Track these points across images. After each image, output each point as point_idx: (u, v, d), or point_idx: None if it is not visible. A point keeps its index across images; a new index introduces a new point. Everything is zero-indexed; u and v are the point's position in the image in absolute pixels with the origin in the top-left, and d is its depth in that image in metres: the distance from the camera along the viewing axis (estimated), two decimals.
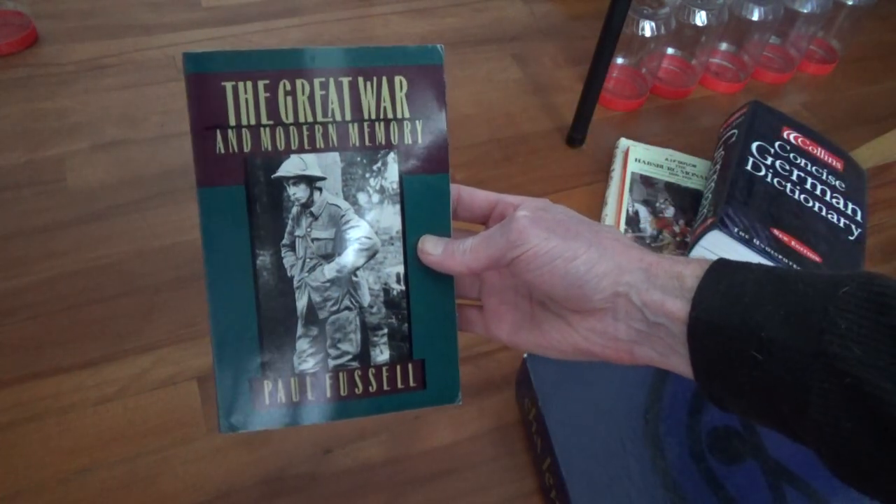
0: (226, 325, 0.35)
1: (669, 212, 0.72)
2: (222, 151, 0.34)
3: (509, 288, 0.38)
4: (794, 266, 0.62)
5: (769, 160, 0.70)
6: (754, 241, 0.62)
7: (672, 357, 0.31)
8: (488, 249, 0.34)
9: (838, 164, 0.74)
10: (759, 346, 0.27)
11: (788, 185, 0.69)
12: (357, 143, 0.35)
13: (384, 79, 0.35)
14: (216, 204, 0.34)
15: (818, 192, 0.70)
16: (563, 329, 0.35)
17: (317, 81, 0.34)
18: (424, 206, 0.36)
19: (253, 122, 0.34)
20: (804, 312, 0.27)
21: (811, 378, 0.26)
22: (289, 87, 0.34)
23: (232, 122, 0.34)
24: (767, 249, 0.62)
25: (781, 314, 0.27)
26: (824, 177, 0.72)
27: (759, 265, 0.30)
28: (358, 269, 0.36)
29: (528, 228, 0.32)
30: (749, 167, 0.68)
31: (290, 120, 0.34)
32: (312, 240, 0.35)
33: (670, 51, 0.93)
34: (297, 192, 0.35)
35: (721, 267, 0.30)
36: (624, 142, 0.81)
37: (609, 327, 0.33)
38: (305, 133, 0.34)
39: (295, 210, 0.35)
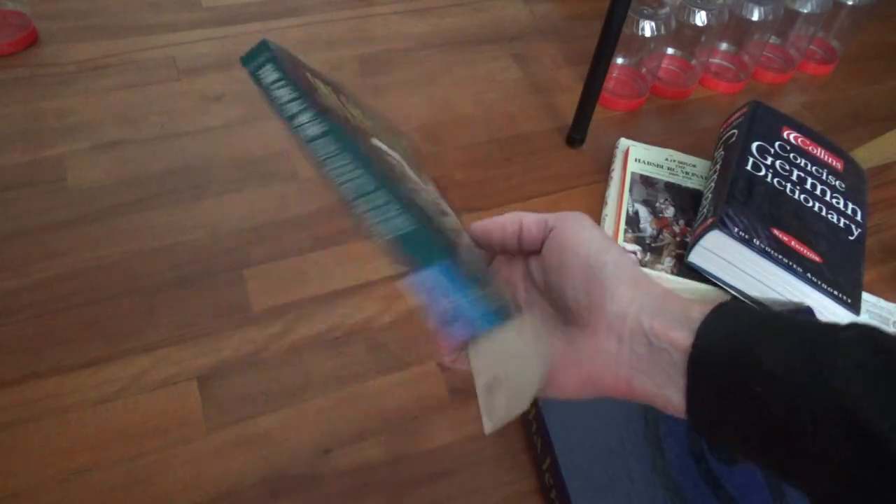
0: None
1: (669, 212, 0.72)
2: None
3: (533, 303, 0.38)
4: (794, 266, 0.62)
5: (769, 160, 0.70)
6: (754, 241, 0.62)
7: (669, 388, 0.31)
8: (537, 215, 0.35)
9: (838, 164, 0.74)
10: (759, 378, 0.28)
11: (788, 185, 0.69)
12: None
13: None
14: None
15: (818, 192, 0.70)
16: (567, 350, 0.34)
17: None
18: None
19: None
20: (806, 350, 0.27)
21: (810, 412, 0.26)
22: None
23: None
24: (767, 249, 0.62)
25: (783, 350, 0.28)
26: (824, 177, 0.72)
27: (764, 308, 0.30)
28: None
29: (573, 214, 0.35)
30: (749, 167, 0.68)
31: None
32: None
33: (670, 51, 0.93)
34: None
35: (727, 305, 0.31)
36: (624, 142, 0.81)
37: (612, 348, 0.32)
38: None
39: None
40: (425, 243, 0.31)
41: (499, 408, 0.36)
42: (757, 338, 0.29)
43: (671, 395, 0.31)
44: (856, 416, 0.25)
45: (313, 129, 0.30)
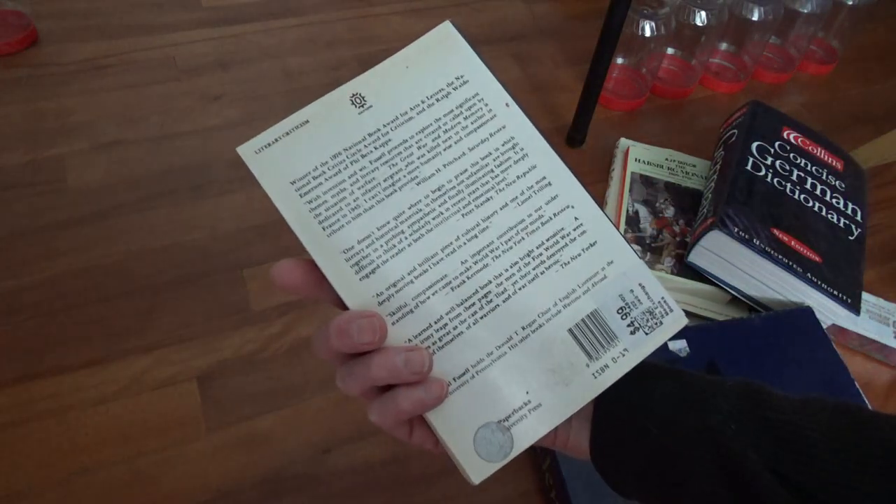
0: None
1: (669, 212, 0.72)
2: None
3: None
4: (794, 266, 0.62)
5: (769, 160, 0.70)
6: (754, 241, 0.62)
7: (582, 433, 0.34)
8: None
9: (838, 164, 0.74)
10: (654, 420, 0.33)
11: (788, 185, 0.69)
12: None
13: None
14: None
15: (818, 192, 0.70)
16: None
17: None
18: None
19: None
20: (695, 397, 0.33)
21: (694, 448, 0.31)
22: None
23: None
24: (767, 249, 0.62)
25: (676, 398, 0.33)
26: (824, 177, 0.72)
27: (665, 366, 0.35)
28: None
29: None
30: (749, 167, 0.68)
31: None
32: None
33: (670, 51, 0.93)
34: None
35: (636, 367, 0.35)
36: (624, 142, 0.81)
37: None
38: None
39: None
40: None
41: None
42: (654, 387, 0.34)
43: (582, 439, 0.34)
44: (728, 449, 0.31)
45: None
